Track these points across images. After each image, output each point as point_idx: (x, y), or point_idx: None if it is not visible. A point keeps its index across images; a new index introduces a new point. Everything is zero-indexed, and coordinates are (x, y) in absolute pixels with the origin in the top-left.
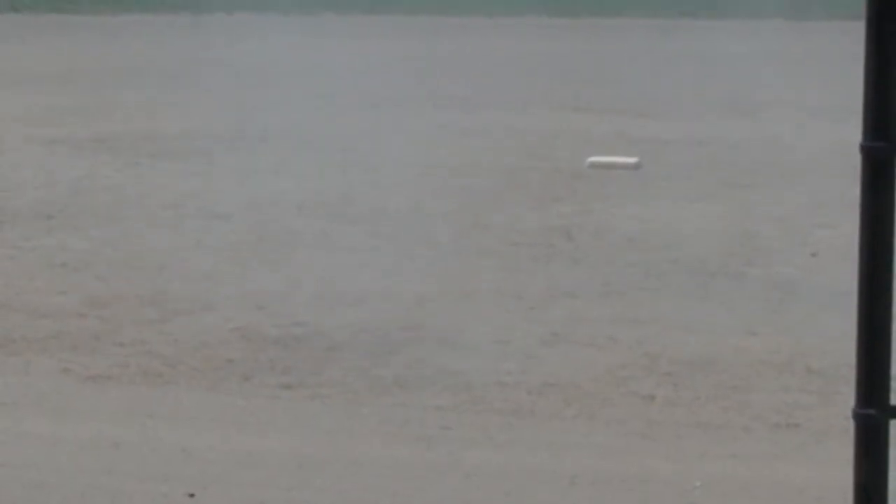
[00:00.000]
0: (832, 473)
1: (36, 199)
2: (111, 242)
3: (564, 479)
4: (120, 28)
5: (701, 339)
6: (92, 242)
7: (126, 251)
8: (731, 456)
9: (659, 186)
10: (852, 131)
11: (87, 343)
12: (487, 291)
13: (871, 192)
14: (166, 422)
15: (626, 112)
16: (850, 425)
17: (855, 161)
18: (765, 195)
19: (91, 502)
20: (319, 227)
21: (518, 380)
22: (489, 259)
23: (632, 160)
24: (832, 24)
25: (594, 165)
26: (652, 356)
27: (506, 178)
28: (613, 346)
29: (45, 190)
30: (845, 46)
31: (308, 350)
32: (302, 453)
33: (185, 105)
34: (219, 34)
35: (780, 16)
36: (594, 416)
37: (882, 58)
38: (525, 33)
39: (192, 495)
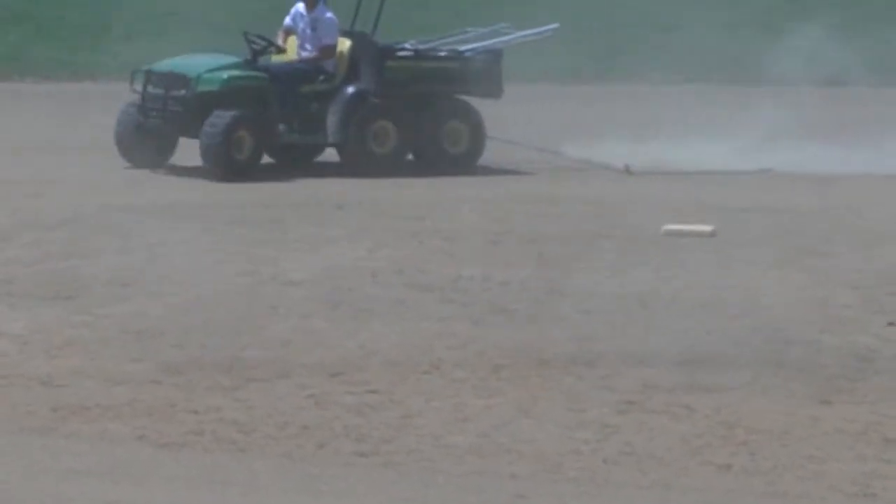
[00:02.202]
0: None
1: (111, 267)
2: (186, 309)
3: None
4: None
5: (777, 407)
6: (167, 309)
7: (201, 318)
8: None
9: (734, 254)
10: None
11: (162, 410)
12: (562, 359)
13: None
14: (240, 489)
15: (702, 179)
16: None
17: None
18: (840, 263)
19: None
20: (394, 295)
21: (593, 448)
22: (563, 327)
23: (707, 228)
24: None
25: (669, 233)
26: (728, 425)
27: (580, 245)
28: (689, 414)
29: (121, 257)
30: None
31: (383, 417)
32: None
33: (259, 172)
34: None
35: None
36: (670, 485)
37: None
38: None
39: None
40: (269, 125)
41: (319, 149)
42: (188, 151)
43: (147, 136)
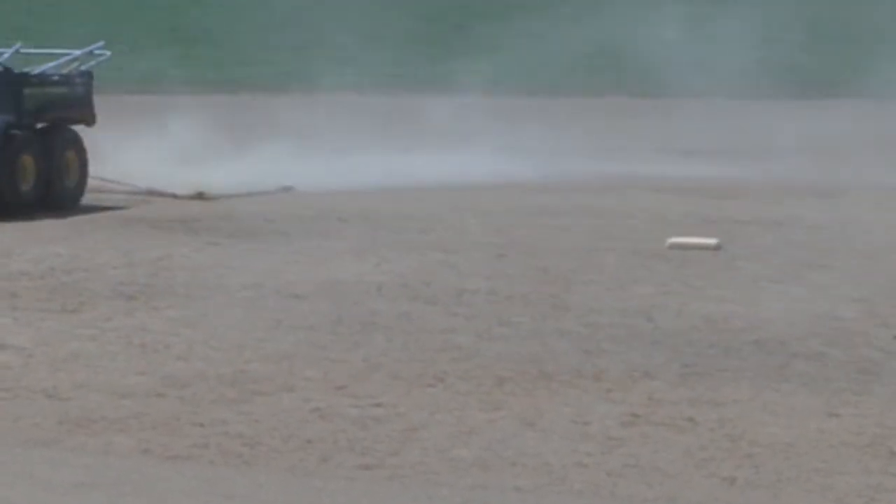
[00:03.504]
0: None
1: (116, 280)
2: (190, 322)
3: None
4: (205, 107)
5: (782, 420)
6: (171, 323)
7: (205, 331)
8: None
9: (738, 267)
10: None
11: (166, 423)
12: (566, 372)
13: None
14: (245, 502)
15: (706, 193)
16: None
17: None
18: (845, 276)
19: None
20: (398, 308)
21: (598, 461)
22: (568, 340)
23: (711, 241)
24: None
25: (674, 246)
26: (732, 438)
27: (584, 258)
28: (693, 427)
29: (126, 270)
30: None
31: (387, 430)
32: None
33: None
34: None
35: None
36: (675, 498)
37: None
38: (601, 113)
39: None
40: None
41: None
42: None
43: None
